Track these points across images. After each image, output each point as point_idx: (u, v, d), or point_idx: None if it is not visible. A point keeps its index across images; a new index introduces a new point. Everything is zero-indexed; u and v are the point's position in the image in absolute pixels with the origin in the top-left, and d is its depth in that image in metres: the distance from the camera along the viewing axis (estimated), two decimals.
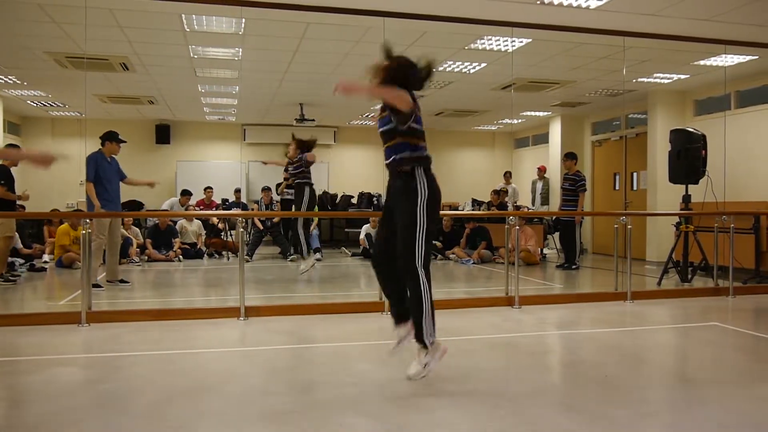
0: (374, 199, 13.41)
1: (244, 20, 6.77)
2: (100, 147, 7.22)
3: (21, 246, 9.28)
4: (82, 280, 5.50)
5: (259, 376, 3.76)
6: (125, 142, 7.50)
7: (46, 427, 2.89)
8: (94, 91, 10.60)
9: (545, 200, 12.60)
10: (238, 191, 13.04)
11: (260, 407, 3.16)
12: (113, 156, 7.26)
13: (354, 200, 13.76)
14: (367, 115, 13.34)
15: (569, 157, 9.56)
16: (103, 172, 7.05)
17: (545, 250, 11.46)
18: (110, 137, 7.25)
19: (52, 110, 12.51)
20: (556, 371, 4.13)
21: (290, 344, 4.76)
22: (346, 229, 13.61)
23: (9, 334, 4.93)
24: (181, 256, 10.68)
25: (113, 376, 3.86)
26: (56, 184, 13.25)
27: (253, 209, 13.19)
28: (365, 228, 11.25)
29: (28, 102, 11.61)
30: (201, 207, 12.08)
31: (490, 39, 7.52)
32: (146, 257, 10.39)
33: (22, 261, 8.91)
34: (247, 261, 10.36)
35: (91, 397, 3.37)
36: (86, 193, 7.08)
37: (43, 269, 9.02)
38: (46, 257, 9.66)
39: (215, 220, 11.77)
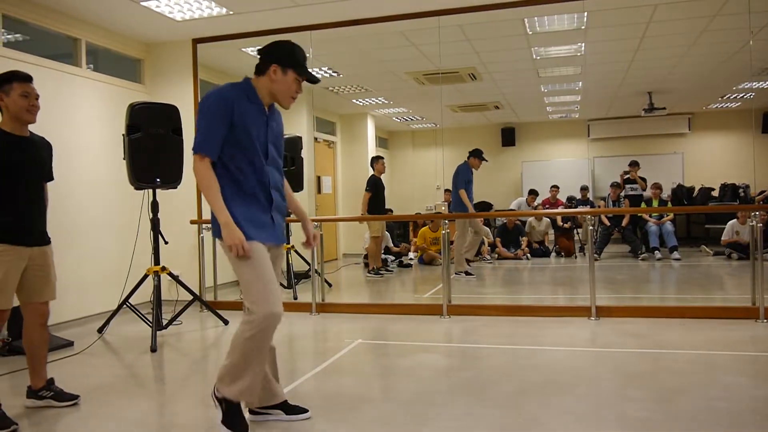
0: (740, 190, 11.78)
1: (586, 14, 6.63)
2: (467, 159, 8.52)
3: (392, 245, 10.61)
4: (442, 275, 6.04)
5: (612, 379, 3.65)
6: (487, 161, 8.73)
7: (418, 406, 3.26)
8: (447, 102, 11.55)
9: None
10: (584, 189, 12.81)
11: (617, 411, 3.07)
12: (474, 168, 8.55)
13: (715, 193, 12.29)
14: (728, 96, 11.81)
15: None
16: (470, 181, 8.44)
17: None
18: (478, 155, 8.50)
19: (412, 123, 14.05)
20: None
21: (644, 348, 4.48)
22: (705, 225, 12.22)
23: (382, 321, 5.70)
24: (528, 254, 10.94)
25: (471, 365, 4.16)
26: (417, 190, 14.79)
27: (599, 206, 12.80)
28: (731, 225, 9.90)
29: (393, 118, 13.23)
30: (547, 206, 12.19)
31: None
32: (496, 255, 10.91)
33: (393, 258, 10.19)
34: (596, 259, 10.09)
35: (453, 383, 3.68)
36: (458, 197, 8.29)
37: (409, 265, 10.19)
38: (411, 255, 10.86)
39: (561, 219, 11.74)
